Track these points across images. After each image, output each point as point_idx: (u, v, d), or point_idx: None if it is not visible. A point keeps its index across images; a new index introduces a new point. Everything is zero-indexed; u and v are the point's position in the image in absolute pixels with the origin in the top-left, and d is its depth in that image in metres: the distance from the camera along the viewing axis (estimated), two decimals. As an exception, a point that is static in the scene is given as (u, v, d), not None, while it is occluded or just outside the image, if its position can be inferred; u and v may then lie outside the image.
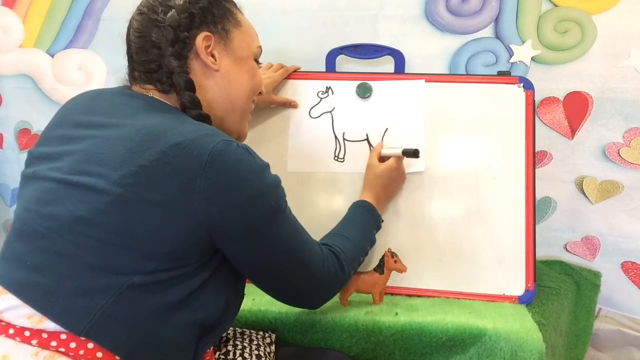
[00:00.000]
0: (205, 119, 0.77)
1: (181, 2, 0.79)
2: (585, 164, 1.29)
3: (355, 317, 0.94)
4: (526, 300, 1.05)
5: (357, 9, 1.30)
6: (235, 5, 0.86)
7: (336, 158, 1.16)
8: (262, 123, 1.20)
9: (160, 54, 0.78)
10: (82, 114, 0.76)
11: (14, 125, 1.46)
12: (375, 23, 1.30)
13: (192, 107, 0.77)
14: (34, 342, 0.62)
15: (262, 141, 1.19)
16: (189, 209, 0.66)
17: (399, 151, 1.07)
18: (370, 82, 1.18)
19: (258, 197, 0.70)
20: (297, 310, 0.95)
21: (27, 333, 0.62)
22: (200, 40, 0.79)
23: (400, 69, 1.25)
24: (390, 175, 1.08)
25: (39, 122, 1.43)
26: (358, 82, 1.18)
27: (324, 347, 0.94)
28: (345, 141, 1.17)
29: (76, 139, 0.72)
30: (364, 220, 1.01)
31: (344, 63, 1.29)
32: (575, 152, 1.29)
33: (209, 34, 0.80)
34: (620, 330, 1.34)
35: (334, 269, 0.83)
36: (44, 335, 0.62)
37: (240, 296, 0.80)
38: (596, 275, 1.30)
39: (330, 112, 1.19)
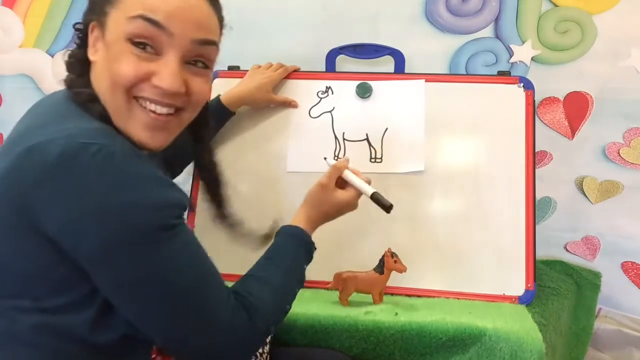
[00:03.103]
0: (97, 112, 0.66)
1: None
2: (585, 164, 1.29)
3: (355, 317, 0.94)
4: (526, 300, 1.05)
5: (357, 9, 1.30)
6: None
7: (336, 158, 1.16)
8: (262, 123, 1.20)
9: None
10: (19, 121, 0.72)
11: (14, 125, 1.46)
12: (375, 23, 1.30)
13: (77, 99, 0.67)
14: None
15: (262, 141, 1.19)
16: (35, 223, 0.58)
17: (367, 190, 0.91)
18: (370, 82, 1.18)
19: (108, 212, 0.57)
20: (296, 310, 0.94)
21: None
22: (91, 30, 0.69)
23: (400, 69, 1.25)
24: (343, 209, 0.91)
25: (39, 122, 1.43)
26: (358, 82, 1.18)
27: (324, 347, 0.94)
28: (345, 141, 1.17)
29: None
30: (296, 255, 0.82)
31: (344, 63, 1.29)
32: (575, 152, 1.29)
33: (94, 22, 0.68)
34: (620, 330, 1.34)
35: (242, 322, 0.67)
36: None
37: None
38: (596, 275, 1.30)
39: (330, 112, 1.18)
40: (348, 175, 0.92)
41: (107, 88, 0.65)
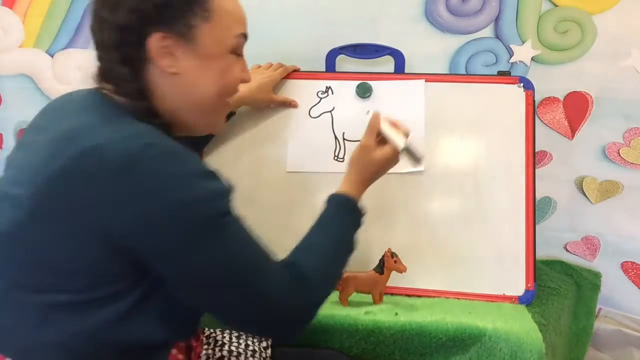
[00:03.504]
0: (162, 126, 0.68)
1: None
2: (585, 164, 1.29)
3: (355, 317, 0.94)
4: (526, 300, 1.05)
5: (357, 9, 1.30)
6: None
7: (336, 158, 1.16)
8: (262, 123, 1.20)
9: (109, 57, 0.69)
10: (40, 118, 0.73)
11: (14, 125, 1.45)
12: (375, 23, 1.30)
13: (148, 117, 0.68)
14: None
15: (262, 141, 1.19)
16: (97, 223, 0.59)
17: (398, 144, 0.89)
18: (370, 82, 1.18)
19: (179, 209, 0.60)
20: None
21: None
22: (154, 42, 0.67)
23: (400, 69, 1.25)
24: (387, 166, 0.90)
25: (39, 122, 1.43)
26: (358, 82, 1.18)
27: (324, 347, 0.94)
28: (345, 141, 1.17)
29: (25, 145, 0.69)
30: (344, 223, 0.83)
31: (344, 63, 1.29)
32: (575, 152, 1.29)
33: (165, 34, 0.68)
34: (620, 330, 1.34)
35: (297, 294, 0.69)
36: None
37: (195, 308, 0.72)
38: (596, 275, 1.30)
39: (330, 112, 1.18)
40: (383, 129, 0.90)
41: (212, 95, 0.73)
